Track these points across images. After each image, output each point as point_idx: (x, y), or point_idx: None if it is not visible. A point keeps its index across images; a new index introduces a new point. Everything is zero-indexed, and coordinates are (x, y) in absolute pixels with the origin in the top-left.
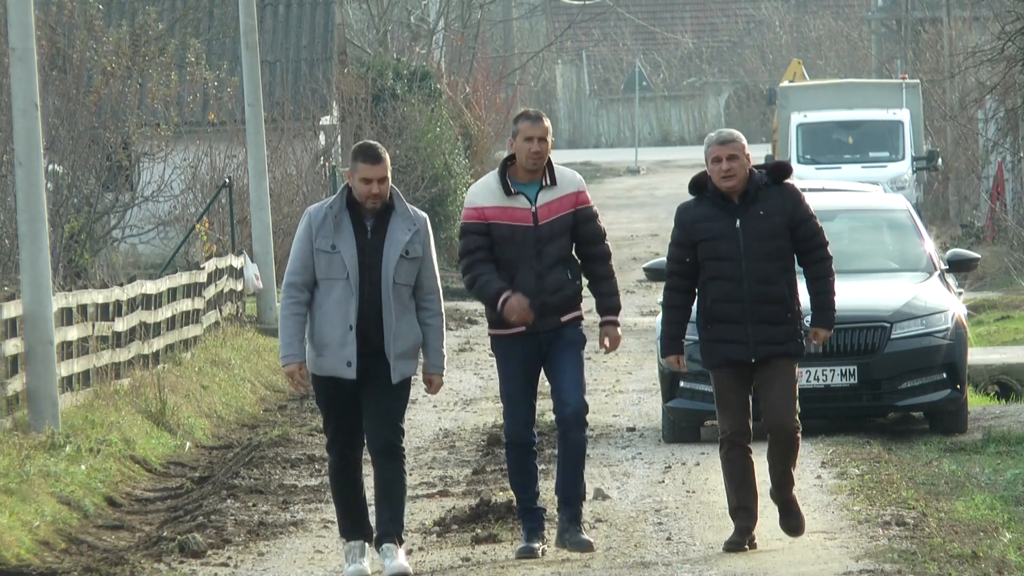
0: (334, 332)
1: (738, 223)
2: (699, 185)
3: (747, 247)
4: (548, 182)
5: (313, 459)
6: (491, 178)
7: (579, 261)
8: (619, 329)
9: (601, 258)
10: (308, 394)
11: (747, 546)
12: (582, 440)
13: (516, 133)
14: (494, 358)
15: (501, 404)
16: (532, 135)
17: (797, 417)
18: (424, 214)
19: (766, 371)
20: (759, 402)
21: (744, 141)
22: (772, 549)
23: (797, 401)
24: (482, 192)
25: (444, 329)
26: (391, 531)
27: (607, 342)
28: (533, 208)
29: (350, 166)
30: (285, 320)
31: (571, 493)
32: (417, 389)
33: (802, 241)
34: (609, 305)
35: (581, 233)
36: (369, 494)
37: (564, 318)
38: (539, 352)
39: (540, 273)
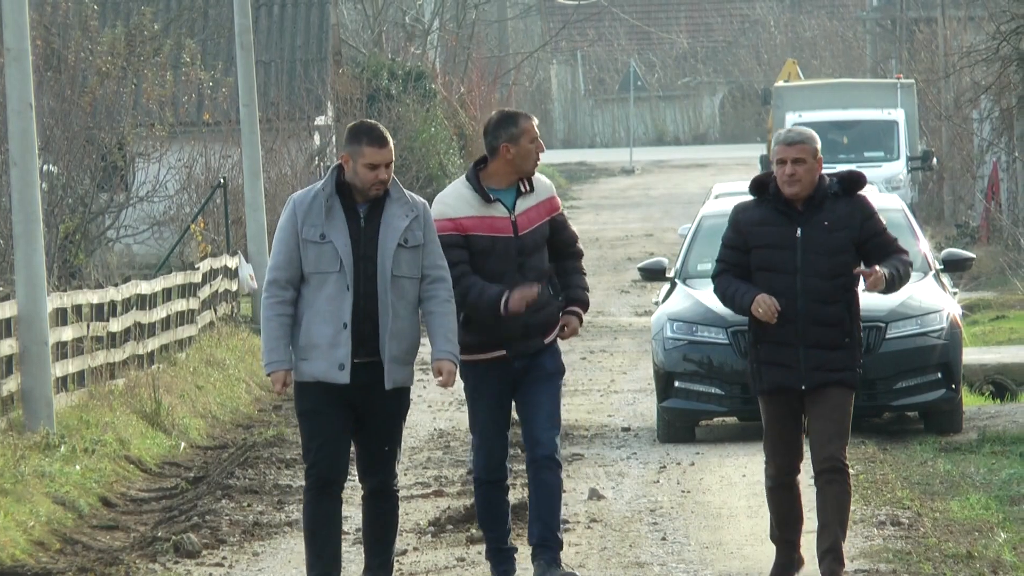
0: (325, 332)
1: (799, 232)
2: (760, 186)
3: (805, 261)
4: (527, 188)
5: None
6: (461, 186)
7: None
8: (578, 322)
9: (577, 255)
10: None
11: None
12: (557, 481)
13: (518, 137)
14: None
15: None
16: (536, 136)
17: (845, 454)
18: (423, 199)
19: (817, 400)
20: (808, 434)
21: (816, 144)
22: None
23: (847, 437)
24: (454, 202)
25: (455, 318)
26: None
27: (566, 330)
28: (512, 216)
29: (348, 148)
30: (268, 322)
31: (548, 536)
32: (415, 390)
33: (874, 251)
34: (579, 297)
35: (558, 241)
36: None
37: (547, 339)
38: (514, 379)
39: None
